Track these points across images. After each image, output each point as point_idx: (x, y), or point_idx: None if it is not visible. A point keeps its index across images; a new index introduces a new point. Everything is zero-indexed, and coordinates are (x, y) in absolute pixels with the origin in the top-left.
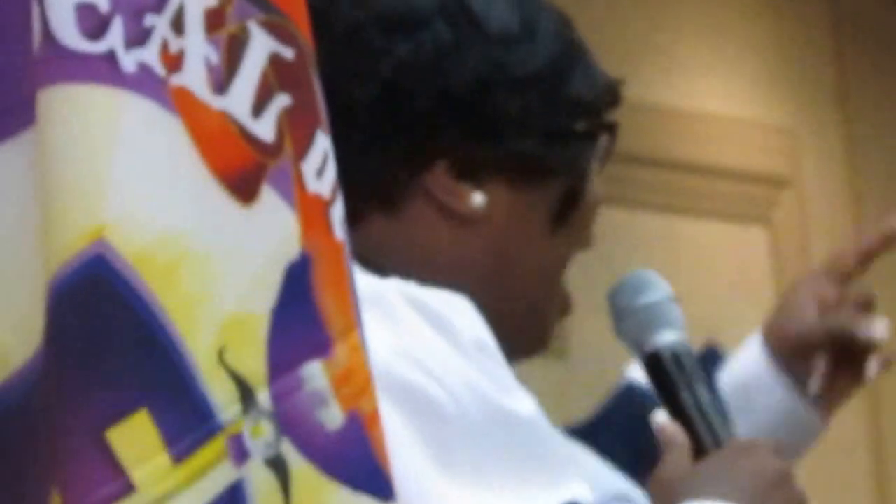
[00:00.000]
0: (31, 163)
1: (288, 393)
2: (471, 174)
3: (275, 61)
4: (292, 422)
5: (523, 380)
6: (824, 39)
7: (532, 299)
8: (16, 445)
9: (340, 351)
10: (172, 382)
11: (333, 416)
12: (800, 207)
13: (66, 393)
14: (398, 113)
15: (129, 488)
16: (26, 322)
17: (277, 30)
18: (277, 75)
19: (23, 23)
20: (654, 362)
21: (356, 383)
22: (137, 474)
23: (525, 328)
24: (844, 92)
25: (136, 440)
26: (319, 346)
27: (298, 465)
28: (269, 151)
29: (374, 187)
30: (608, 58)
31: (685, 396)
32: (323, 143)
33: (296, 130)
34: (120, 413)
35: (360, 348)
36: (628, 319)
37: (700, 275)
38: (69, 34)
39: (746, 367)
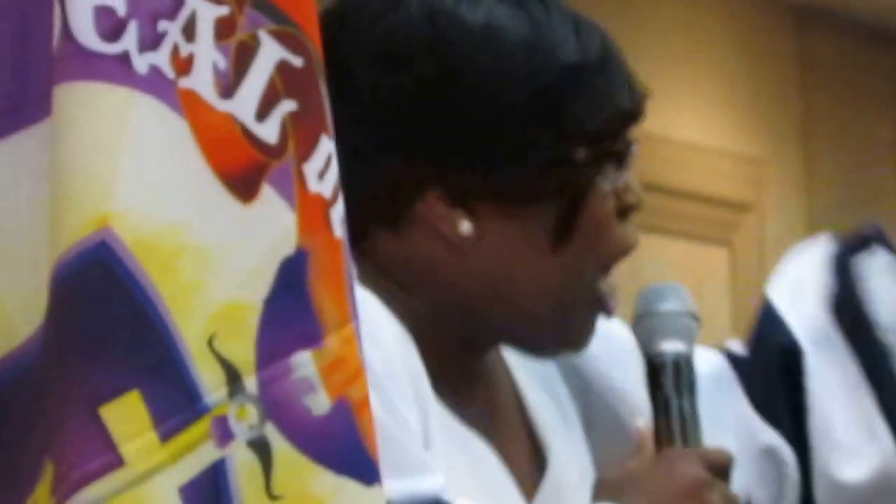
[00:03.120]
0: (44, 153)
1: (275, 379)
2: (462, 201)
3: (283, 68)
4: (278, 406)
5: None
6: (792, 76)
7: (539, 311)
8: (15, 415)
9: (332, 342)
10: (164, 365)
11: (320, 403)
12: (759, 231)
13: (65, 369)
14: (389, 144)
15: (118, 462)
16: (32, 300)
17: (287, 39)
18: (285, 82)
19: (43, 19)
20: (656, 364)
21: (346, 372)
22: (126, 449)
23: (543, 331)
24: (808, 126)
25: (127, 418)
26: (310, 336)
27: (281, 447)
28: (271, 153)
29: (376, 208)
30: None
31: (673, 403)
32: (327, 147)
33: (300, 134)
34: (114, 391)
35: (354, 340)
36: (646, 320)
37: None
38: (87, 34)
39: None
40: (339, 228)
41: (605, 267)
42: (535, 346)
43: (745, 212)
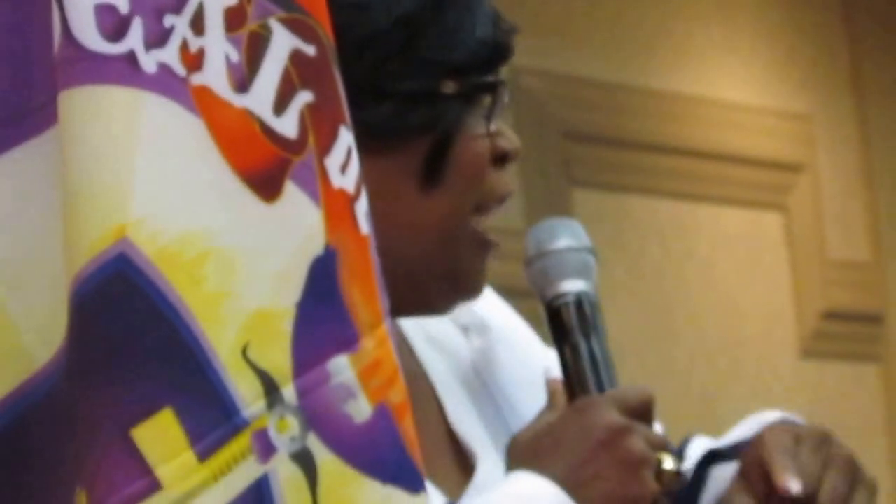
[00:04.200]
0: (53, 164)
1: (314, 387)
2: None
3: (296, 58)
4: (319, 415)
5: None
6: (837, 27)
7: (419, 254)
8: (40, 443)
9: (367, 344)
10: (196, 380)
11: (361, 409)
12: (814, 193)
13: (91, 392)
14: None
15: (155, 486)
16: (49, 321)
17: (299, 27)
18: (299, 72)
19: (41, 23)
20: (555, 308)
21: (384, 375)
22: (163, 472)
23: (431, 278)
24: (858, 78)
25: (161, 438)
26: (346, 340)
27: (325, 458)
28: (292, 148)
29: None
30: (624, 46)
31: (580, 345)
32: (346, 138)
33: (319, 126)
34: (145, 411)
35: (387, 341)
36: (539, 261)
37: (716, 261)
38: (89, 35)
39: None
40: (364, 224)
41: (480, 210)
42: (428, 298)
43: (798, 172)
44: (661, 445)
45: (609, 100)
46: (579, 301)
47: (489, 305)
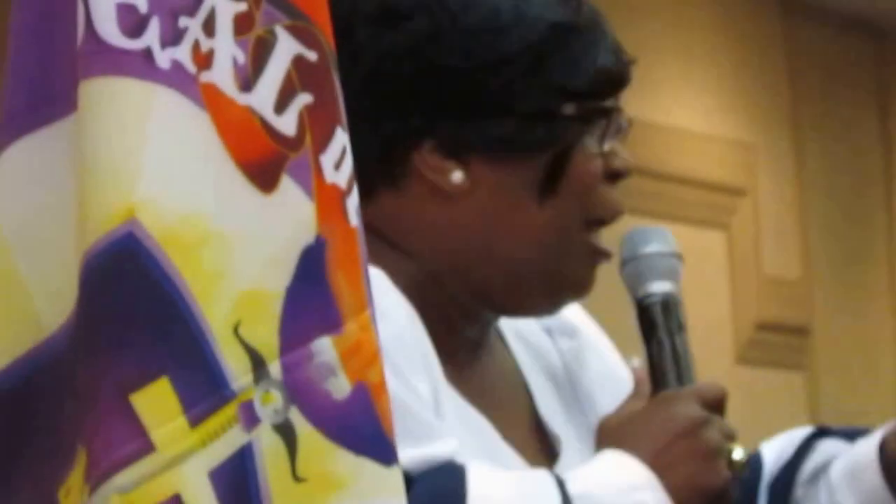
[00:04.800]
0: (71, 146)
1: (298, 364)
2: (455, 153)
3: (299, 62)
4: (301, 391)
5: None
6: (780, 67)
7: (532, 261)
8: (44, 405)
9: (350, 327)
10: (191, 352)
11: (341, 386)
12: (754, 215)
13: (94, 358)
14: (386, 101)
15: (149, 447)
16: (60, 292)
17: (302, 34)
18: (300, 75)
19: (67, 17)
20: (645, 306)
21: (364, 357)
22: (157, 435)
23: (539, 282)
24: (796, 113)
25: (157, 404)
26: (330, 322)
27: (305, 430)
28: (289, 144)
29: (376, 166)
30: None
31: (664, 341)
32: (341, 139)
33: (316, 126)
34: (143, 379)
35: (370, 326)
36: (632, 264)
37: None
38: (110, 31)
39: (858, 461)
40: (354, 217)
41: (593, 225)
42: (533, 300)
43: (741, 196)
44: (732, 436)
45: None
46: (666, 301)
47: (575, 312)
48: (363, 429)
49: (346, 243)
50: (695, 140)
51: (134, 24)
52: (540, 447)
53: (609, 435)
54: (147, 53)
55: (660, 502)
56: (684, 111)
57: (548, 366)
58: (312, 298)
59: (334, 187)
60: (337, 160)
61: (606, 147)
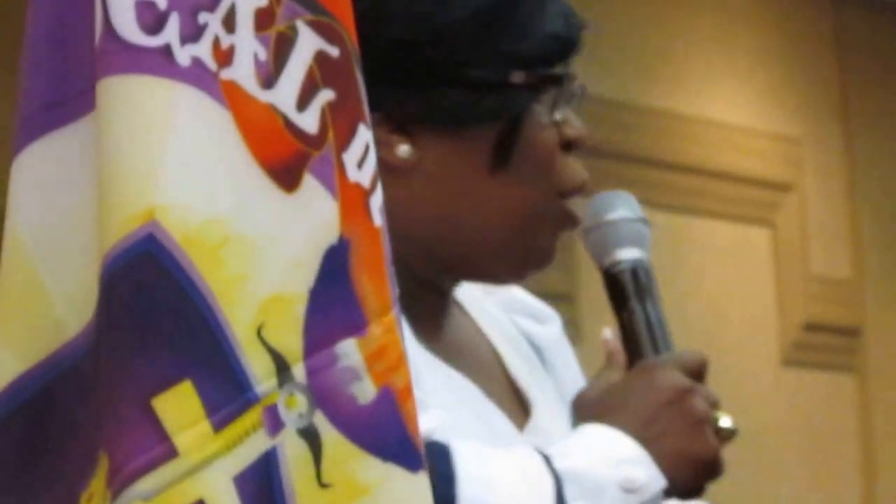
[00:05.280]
0: (89, 148)
1: (322, 368)
2: (402, 126)
3: (320, 58)
4: (325, 395)
5: None
6: (830, 58)
7: (496, 234)
8: (64, 411)
9: (375, 330)
10: (214, 356)
11: (366, 391)
12: (800, 211)
13: (116, 362)
14: None
15: (172, 453)
16: (80, 295)
17: (324, 29)
18: (322, 72)
19: (83, 17)
20: (612, 274)
21: (389, 360)
22: (180, 440)
23: (502, 253)
24: (846, 106)
25: (180, 408)
26: (355, 324)
27: (330, 435)
28: (311, 142)
29: None
30: (627, 66)
31: (636, 309)
32: (364, 136)
33: (338, 123)
34: (166, 383)
35: (395, 328)
36: (597, 231)
37: (705, 272)
38: (129, 28)
39: None
40: (378, 217)
41: (558, 197)
42: (496, 269)
43: (787, 192)
44: (717, 404)
45: (611, 116)
46: (635, 268)
47: (552, 314)
48: (389, 434)
49: (369, 243)
50: (739, 134)
51: (153, 20)
52: (515, 405)
53: (589, 408)
54: (166, 50)
55: (650, 476)
56: (728, 105)
57: (507, 333)
58: (336, 300)
59: (357, 186)
60: (360, 158)
61: (559, 116)
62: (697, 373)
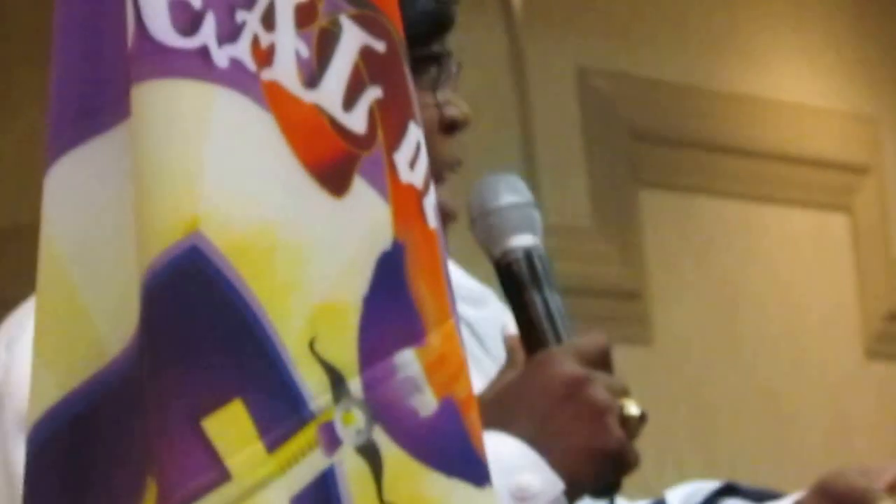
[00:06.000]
0: (125, 157)
1: (380, 380)
2: None
3: (366, 54)
4: (384, 409)
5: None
6: None
7: None
8: (110, 432)
9: (434, 339)
10: (265, 372)
11: (427, 403)
12: (879, 195)
13: (163, 382)
14: None
15: (225, 476)
16: (121, 312)
17: (369, 23)
18: (369, 68)
19: (115, 20)
20: (505, 264)
21: (449, 370)
22: (233, 462)
23: None
24: None
25: (231, 429)
26: (413, 333)
27: (390, 451)
28: (360, 143)
29: None
30: (691, 48)
31: (535, 299)
32: (415, 134)
33: (388, 122)
34: (215, 402)
35: (455, 336)
36: (484, 220)
37: (782, 261)
38: (163, 30)
39: None
40: (432, 219)
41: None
42: None
43: (864, 174)
44: (623, 391)
45: (676, 101)
46: (529, 255)
47: (488, 292)
48: (453, 448)
49: (425, 247)
50: (811, 115)
51: (188, 21)
52: None
53: (484, 412)
54: (203, 52)
55: (545, 481)
56: (799, 85)
57: None
58: (392, 308)
59: (410, 187)
60: (412, 157)
61: (440, 97)
62: (597, 358)
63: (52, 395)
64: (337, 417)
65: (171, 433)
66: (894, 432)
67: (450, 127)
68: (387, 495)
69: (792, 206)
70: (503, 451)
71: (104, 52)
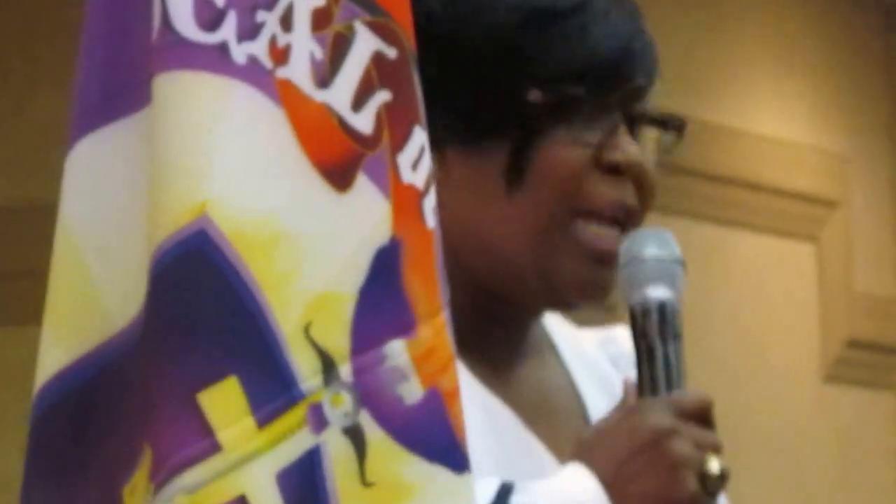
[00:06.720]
0: (143, 142)
1: (369, 367)
2: (432, 143)
3: (378, 59)
4: (371, 394)
5: None
6: (879, 76)
7: (514, 258)
8: (113, 402)
9: (424, 331)
10: (261, 352)
11: (412, 391)
12: (845, 228)
13: (163, 356)
14: None
15: (215, 448)
16: (129, 289)
17: (382, 30)
18: (379, 72)
19: (141, 12)
20: (640, 311)
21: (437, 362)
22: (224, 435)
23: (525, 276)
24: (894, 123)
25: (224, 404)
26: (403, 325)
27: (375, 434)
28: (366, 143)
29: None
30: (674, 79)
31: (658, 350)
32: (420, 138)
33: (394, 124)
34: (211, 378)
35: (444, 330)
36: (629, 267)
37: (749, 286)
38: (187, 24)
39: None
40: (430, 219)
41: (581, 218)
42: (526, 300)
43: (832, 208)
44: (712, 447)
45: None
46: (662, 307)
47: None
48: (435, 435)
49: (421, 245)
50: (786, 149)
51: (211, 17)
52: None
53: (578, 446)
54: (223, 48)
55: None
56: (776, 119)
57: (598, 372)
58: (385, 300)
59: (411, 188)
60: (414, 160)
61: (593, 137)
62: (695, 413)
63: (60, 362)
64: (326, 399)
65: (167, 404)
66: (850, 454)
67: (610, 169)
68: (369, 476)
69: (762, 233)
70: (575, 483)
71: (130, 38)
